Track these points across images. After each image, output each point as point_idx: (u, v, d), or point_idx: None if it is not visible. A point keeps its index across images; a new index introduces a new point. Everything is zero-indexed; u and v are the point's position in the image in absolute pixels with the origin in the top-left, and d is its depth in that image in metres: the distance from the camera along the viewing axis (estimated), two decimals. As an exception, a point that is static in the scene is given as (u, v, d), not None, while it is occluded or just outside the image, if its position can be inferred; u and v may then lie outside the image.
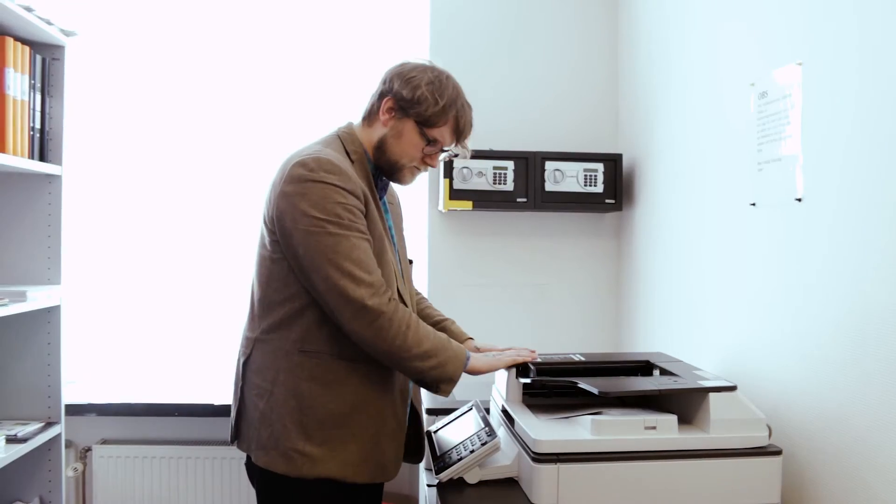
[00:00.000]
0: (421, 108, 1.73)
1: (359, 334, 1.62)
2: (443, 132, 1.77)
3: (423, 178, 2.86)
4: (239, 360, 1.79)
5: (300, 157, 1.65)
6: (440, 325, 2.01)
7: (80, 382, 2.95)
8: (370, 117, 1.80)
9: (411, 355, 1.63)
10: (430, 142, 1.77)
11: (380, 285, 1.62)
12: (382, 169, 1.80)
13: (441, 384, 1.68)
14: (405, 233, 2.01)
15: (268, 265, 1.71)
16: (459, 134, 1.80)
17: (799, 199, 1.71)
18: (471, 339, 2.01)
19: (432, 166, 1.83)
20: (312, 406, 1.66)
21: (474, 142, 2.86)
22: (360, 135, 1.80)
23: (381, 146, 1.77)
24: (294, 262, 1.64)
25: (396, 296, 1.70)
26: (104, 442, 2.88)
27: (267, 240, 1.70)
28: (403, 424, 1.81)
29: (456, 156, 1.88)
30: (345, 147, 1.76)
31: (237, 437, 1.79)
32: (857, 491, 1.52)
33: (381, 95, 1.78)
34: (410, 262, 1.97)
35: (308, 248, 1.60)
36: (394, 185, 2.00)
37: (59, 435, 2.41)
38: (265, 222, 1.71)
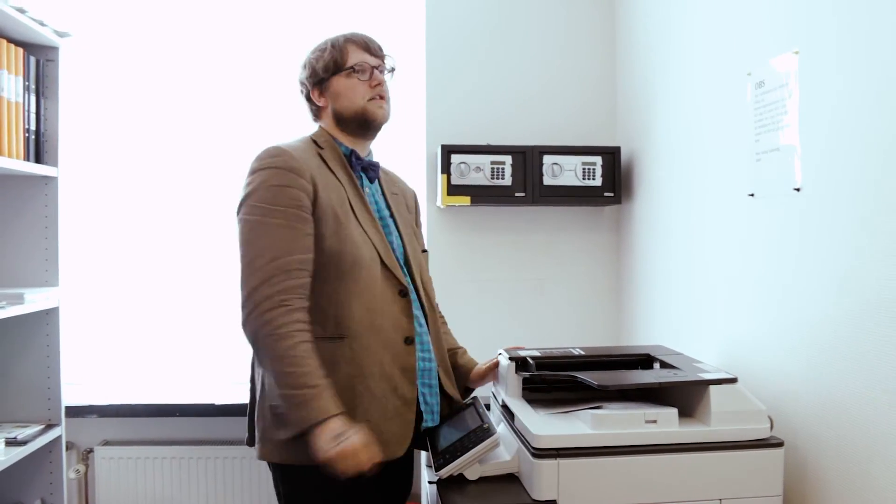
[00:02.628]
0: (320, 64, 1.82)
1: (242, 309, 1.64)
2: (355, 57, 1.81)
3: (420, 175, 2.86)
4: (252, 358, 1.81)
5: (259, 153, 1.74)
6: (450, 352, 1.99)
7: (81, 384, 2.95)
8: (318, 114, 1.88)
9: (272, 368, 1.61)
10: (357, 70, 1.81)
11: (275, 275, 1.62)
12: (360, 127, 1.83)
13: (286, 420, 1.63)
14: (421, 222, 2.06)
15: None
16: (368, 47, 1.84)
17: (798, 189, 1.70)
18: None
19: (381, 84, 1.84)
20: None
21: (470, 136, 2.86)
22: (325, 128, 1.87)
23: (338, 116, 1.83)
24: None
25: (291, 290, 1.64)
26: (106, 443, 2.88)
27: None
28: (411, 401, 1.75)
29: (392, 69, 1.89)
30: (314, 141, 1.82)
31: (250, 438, 1.80)
32: (859, 482, 1.51)
33: (307, 96, 1.88)
34: (425, 251, 1.97)
35: (238, 234, 1.68)
36: (402, 181, 2.04)
37: (59, 437, 2.41)
38: None
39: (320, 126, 1.88)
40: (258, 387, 1.74)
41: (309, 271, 1.66)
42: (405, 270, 1.82)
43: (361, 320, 1.69)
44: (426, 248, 1.98)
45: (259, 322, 1.60)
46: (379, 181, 1.92)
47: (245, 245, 1.66)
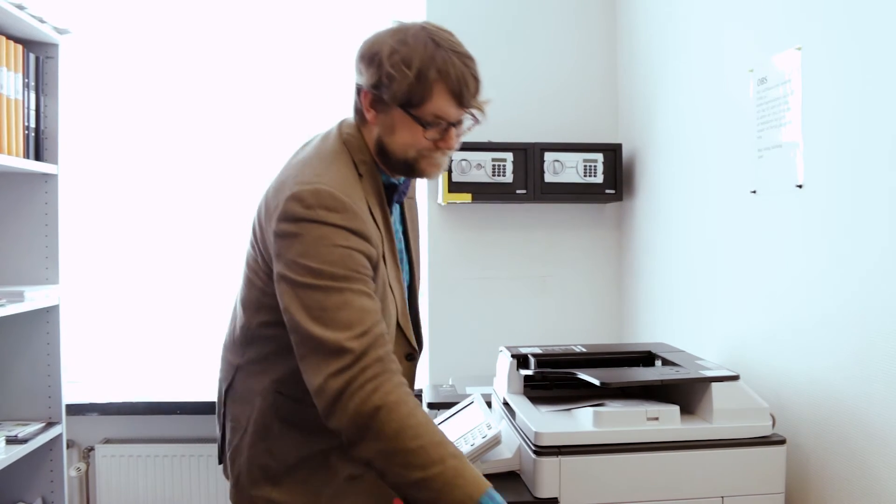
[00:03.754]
0: (393, 88, 1.38)
1: (325, 393, 1.29)
2: (436, 104, 1.40)
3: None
4: (221, 384, 1.61)
5: (297, 185, 1.36)
6: None
7: (81, 382, 2.94)
8: (360, 117, 1.50)
9: (390, 448, 1.27)
10: (428, 124, 1.41)
11: (370, 346, 1.31)
12: (400, 171, 1.50)
13: None
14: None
15: (257, 295, 1.48)
16: (459, 96, 1.40)
17: (800, 186, 1.70)
18: None
19: (449, 148, 1.46)
20: (281, 450, 1.49)
21: (471, 133, 2.85)
22: (365, 137, 1.49)
23: (380, 147, 1.47)
24: (282, 311, 1.37)
25: (390, 358, 1.34)
26: (107, 441, 2.87)
27: (260, 269, 1.47)
28: None
29: (477, 122, 1.48)
30: (353, 158, 1.47)
31: (221, 459, 1.64)
32: (862, 479, 1.51)
33: (357, 90, 1.48)
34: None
35: (292, 300, 1.33)
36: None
37: (60, 435, 2.41)
38: (257, 249, 1.48)
39: (359, 131, 1.50)
40: (240, 429, 1.53)
41: None
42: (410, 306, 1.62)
43: None
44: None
45: (361, 397, 1.27)
46: None
47: (319, 311, 1.31)
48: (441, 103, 1.40)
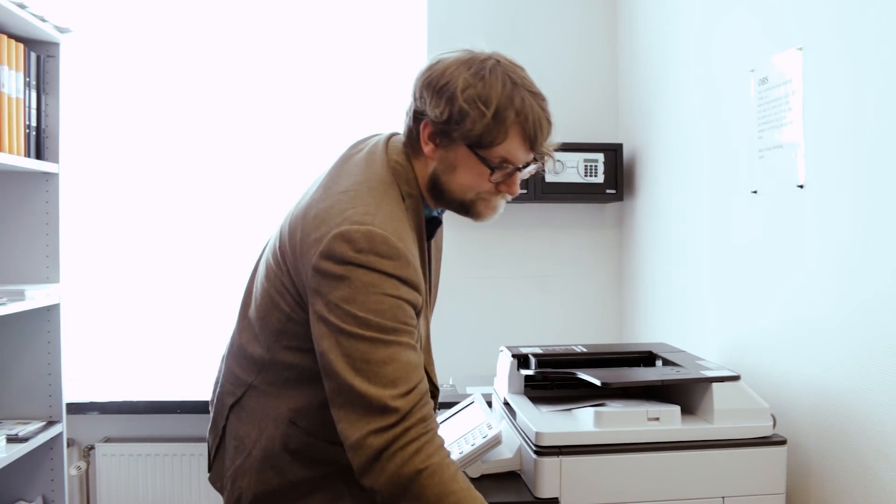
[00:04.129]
0: (465, 126, 1.29)
1: (364, 450, 1.22)
2: (508, 148, 1.32)
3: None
4: (225, 396, 1.52)
5: (346, 222, 1.26)
6: None
7: (82, 381, 2.94)
8: (413, 146, 1.38)
9: None
10: (496, 168, 1.33)
11: (415, 404, 1.24)
12: (452, 209, 1.42)
13: None
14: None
15: (281, 318, 1.39)
16: (533, 141, 1.33)
17: (801, 186, 1.70)
18: None
19: (512, 194, 1.38)
20: (286, 481, 1.42)
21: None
22: (415, 169, 1.39)
23: (435, 184, 1.37)
24: (317, 351, 1.29)
25: (433, 419, 1.28)
26: (107, 440, 2.87)
27: (287, 293, 1.36)
28: None
29: (542, 168, 1.42)
30: (399, 188, 1.36)
31: (212, 468, 1.58)
32: (863, 479, 1.51)
33: (416, 118, 1.36)
34: None
35: (333, 346, 1.25)
36: None
37: (60, 434, 2.41)
38: (284, 270, 1.37)
39: (408, 158, 1.39)
40: (243, 451, 1.46)
41: None
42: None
43: None
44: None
45: (402, 458, 1.21)
46: None
47: (362, 364, 1.23)
48: (513, 147, 1.32)
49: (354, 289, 1.23)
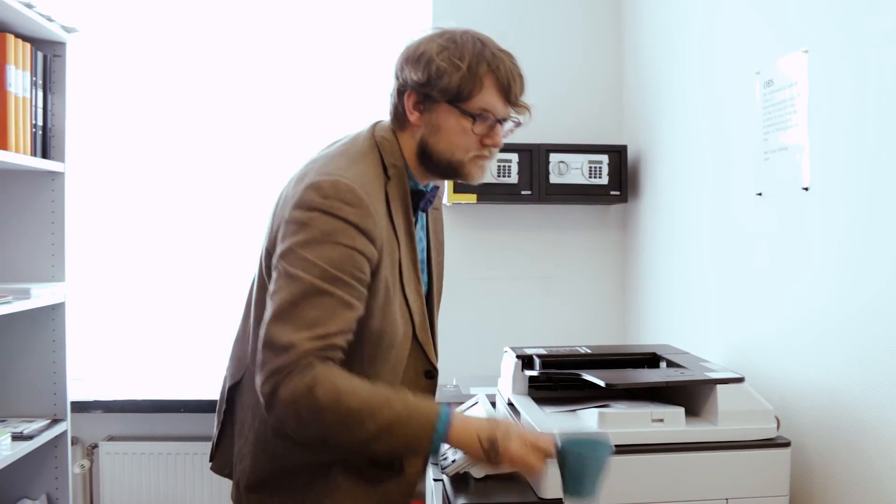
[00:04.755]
0: (443, 81, 1.38)
1: (265, 388, 1.27)
2: (485, 98, 1.40)
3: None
4: (226, 381, 1.57)
5: (318, 175, 1.35)
6: None
7: (86, 379, 2.95)
8: (400, 121, 1.47)
9: (334, 417, 1.25)
10: (477, 117, 1.40)
11: (322, 346, 1.27)
12: (443, 174, 1.49)
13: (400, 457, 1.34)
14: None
15: (265, 297, 1.40)
16: (507, 91, 1.42)
17: (806, 189, 1.69)
18: None
19: (496, 146, 1.45)
20: (280, 463, 1.44)
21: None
22: (401, 143, 1.47)
23: (424, 150, 1.44)
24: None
25: (336, 363, 1.31)
26: (111, 438, 2.88)
27: (273, 270, 1.38)
28: (413, 485, 1.54)
29: (519, 124, 1.49)
30: (383, 160, 1.44)
31: (214, 456, 1.62)
32: (866, 482, 1.51)
33: (400, 92, 1.45)
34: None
35: (275, 291, 1.30)
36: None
37: (65, 432, 2.41)
38: (270, 243, 1.42)
39: (394, 133, 1.47)
40: (243, 434, 1.50)
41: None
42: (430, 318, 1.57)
43: None
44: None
45: (295, 381, 1.25)
46: None
47: (289, 306, 1.28)
48: (490, 97, 1.41)
49: (312, 235, 1.30)
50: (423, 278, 1.55)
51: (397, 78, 1.45)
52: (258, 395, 1.33)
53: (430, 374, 1.52)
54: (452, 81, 1.38)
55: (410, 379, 1.47)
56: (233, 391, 1.55)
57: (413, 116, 1.43)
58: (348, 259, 1.30)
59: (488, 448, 1.27)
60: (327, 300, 1.28)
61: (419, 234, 1.54)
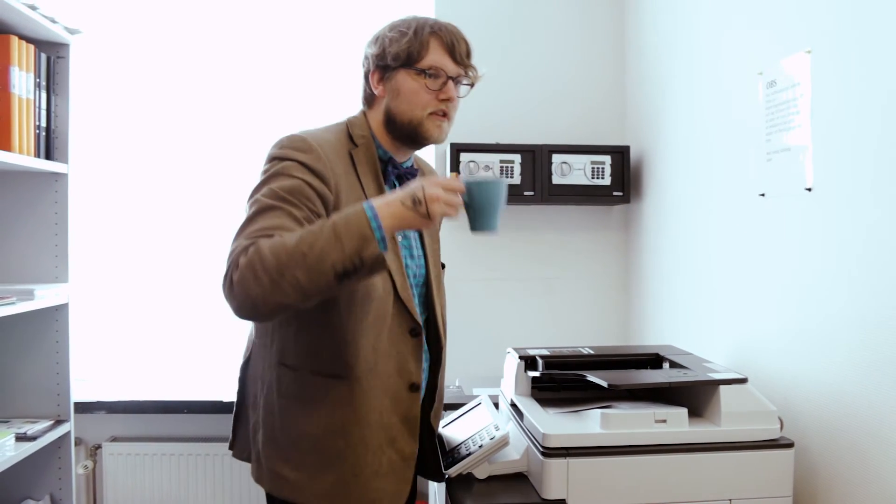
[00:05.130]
0: (393, 48, 1.55)
1: (224, 285, 1.36)
2: (433, 57, 1.55)
3: (429, 173, 2.85)
4: (243, 360, 1.69)
5: (282, 137, 1.53)
6: None
7: (90, 380, 2.95)
8: (369, 101, 1.63)
9: (279, 262, 1.30)
10: (429, 75, 1.54)
11: (259, 235, 1.36)
12: (407, 137, 1.58)
13: (354, 257, 1.31)
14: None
15: None
16: (452, 50, 1.56)
17: (809, 189, 1.70)
18: None
19: (450, 100, 1.56)
20: (286, 425, 1.52)
21: (479, 135, 2.84)
22: (369, 119, 1.62)
23: (389, 116, 1.57)
24: None
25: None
26: (114, 439, 2.89)
27: None
28: (410, 456, 1.57)
29: (471, 84, 1.61)
30: (350, 132, 1.59)
31: (234, 443, 1.70)
32: (870, 483, 1.51)
33: (366, 75, 1.62)
34: (443, 265, 1.77)
35: (245, 212, 1.43)
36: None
37: (68, 433, 2.41)
38: None
39: (364, 113, 1.63)
40: (256, 405, 1.59)
41: None
42: (424, 299, 1.66)
43: (366, 360, 1.49)
44: (444, 261, 1.79)
45: (237, 261, 1.33)
46: None
47: (245, 223, 1.41)
48: (437, 56, 1.55)
49: (268, 174, 1.46)
50: (419, 255, 1.65)
51: (363, 65, 1.63)
52: (261, 362, 1.54)
53: (415, 331, 1.57)
54: (402, 46, 1.54)
55: (396, 336, 1.54)
56: (244, 369, 1.66)
57: (378, 89, 1.59)
58: (298, 188, 1.43)
59: (414, 204, 1.34)
60: (276, 213, 1.39)
61: None
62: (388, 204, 1.35)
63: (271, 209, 1.40)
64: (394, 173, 1.60)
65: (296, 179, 1.43)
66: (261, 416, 1.56)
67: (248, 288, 1.31)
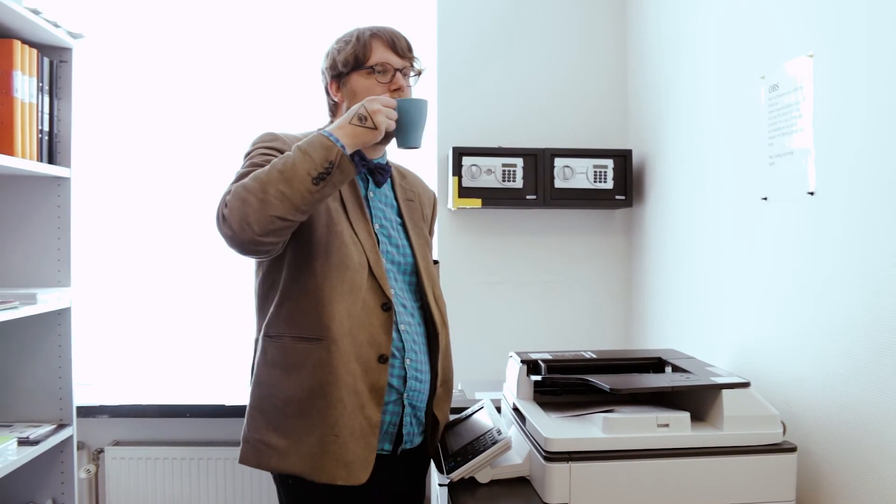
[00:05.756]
0: (341, 56, 1.74)
1: (218, 225, 1.54)
2: (378, 54, 1.73)
3: (432, 177, 2.85)
4: None
5: None
6: None
7: (92, 384, 2.96)
8: (333, 109, 1.83)
9: (262, 188, 1.48)
10: (378, 70, 1.72)
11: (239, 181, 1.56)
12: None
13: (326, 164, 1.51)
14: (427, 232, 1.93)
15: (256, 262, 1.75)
16: (394, 45, 1.74)
17: (811, 193, 1.69)
18: None
19: (401, 89, 1.73)
20: (272, 393, 1.65)
21: (481, 138, 2.85)
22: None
23: None
24: None
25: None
26: (117, 443, 2.89)
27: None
28: (375, 425, 1.65)
29: (419, 73, 1.79)
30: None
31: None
32: (873, 487, 1.50)
33: (326, 90, 1.82)
34: (435, 262, 1.88)
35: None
36: (422, 185, 1.97)
37: (71, 437, 2.42)
38: None
39: (331, 122, 1.77)
40: (252, 381, 1.73)
41: None
42: (416, 287, 1.80)
43: (341, 322, 1.61)
44: (436, 258, 1.89)
45: (225, 200, 1.53)
46: (393, 186, 1.85)
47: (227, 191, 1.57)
48: (381, 53, 1.73)
49: (245, 161, 1.64)
50: (403, 245, 1.79)
51: (322, 81, 1.83)
52: (254, 346, 1.71)
53: (387, 306, 1.69)
54: (349, 52, 1.73)
55: (370, 308, 1.66)
56: (254, 354, 1.75)
57: (338, 96, 1.78)
58: (268, 160, 1.58)
59: (361, 121, 1.55)
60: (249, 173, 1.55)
61: (378, 201, 1.80)
62: (339, 127, 1.55)
63: (245, 175, 1.55)
64: (363, 166, 1.63)
65: (265, 156, 1.61)
66: (251, 393, 1.69)
67: (239, 211, 1.47)
